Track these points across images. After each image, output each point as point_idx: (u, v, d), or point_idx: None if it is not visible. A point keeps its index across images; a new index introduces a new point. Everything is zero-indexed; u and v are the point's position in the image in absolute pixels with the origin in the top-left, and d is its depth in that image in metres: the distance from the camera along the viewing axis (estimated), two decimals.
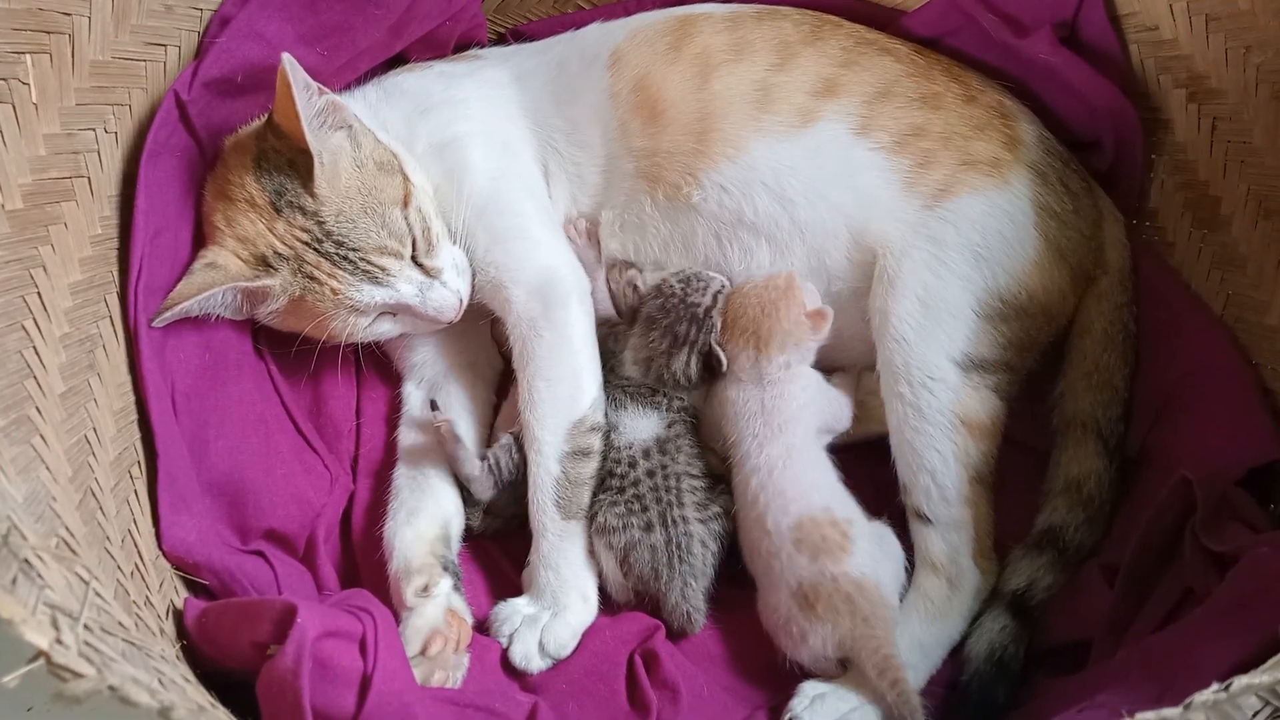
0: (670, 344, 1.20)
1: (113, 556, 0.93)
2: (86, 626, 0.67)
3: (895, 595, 1.08)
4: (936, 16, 1.32)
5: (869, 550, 1.06)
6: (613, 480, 1.14)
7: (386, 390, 1.33)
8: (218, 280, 1.10)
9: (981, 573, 1.14)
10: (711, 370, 1.21)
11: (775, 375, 1.16)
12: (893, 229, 1.17)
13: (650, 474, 1.13)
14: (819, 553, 1.04)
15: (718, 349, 1.19)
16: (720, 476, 1.19)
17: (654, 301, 1.22)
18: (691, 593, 1.09)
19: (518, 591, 1.16)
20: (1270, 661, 0.60)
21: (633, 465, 1.14)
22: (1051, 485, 1.19)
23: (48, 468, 0.89)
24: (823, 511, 1.07)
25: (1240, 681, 0.56)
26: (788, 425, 1.13)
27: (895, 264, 1.16)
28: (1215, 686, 0.57)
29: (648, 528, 1.10)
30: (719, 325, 1.20)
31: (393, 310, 1.17)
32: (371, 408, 1.32)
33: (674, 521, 1.10)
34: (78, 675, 0.61)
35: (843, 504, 1.10)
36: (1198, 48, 1.19)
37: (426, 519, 1.18)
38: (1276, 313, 1.11)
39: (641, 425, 1.17)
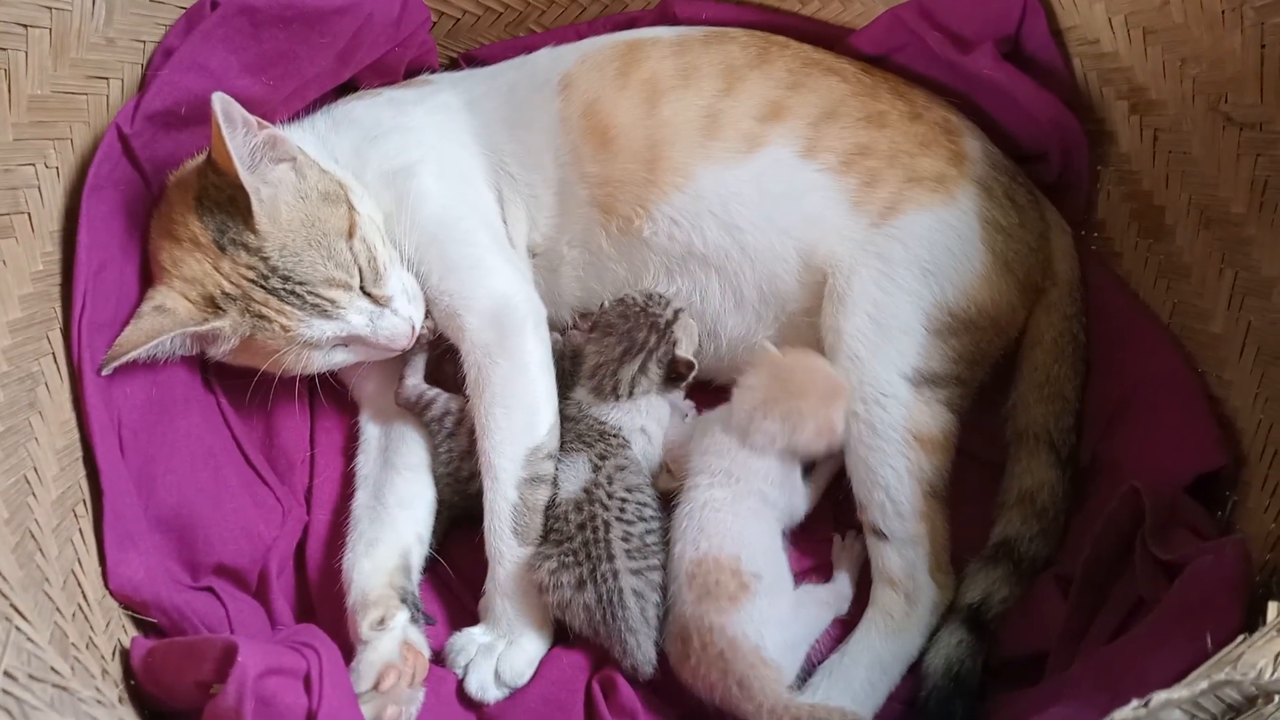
0: (624, 351, 1.20)
1: (51, 599, 0.91)
2: (8, 674, 0.65)
3: (786, 660, 1.03)
4: (882, 34, 1.33)
5: (766, 611, 1.01)
6: (554, 535, 1.10)
7: (342, 420, 1.32)
8: (166, 326, 1.09)
9: (939, 587, 1.14)
10: (674, 379, 1.21)
11: (764, 448, 1.11)
12: (841, 248, 1.18)
13: (581, 527, 1.08)
14: (705, 596, 1.01)
15: (684, 356, 1.19)
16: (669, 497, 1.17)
17: (614, 309, 1.23)
18: (633, 646, 1.04)
19: (474, 620, 1.15)
20: (1191, 675, 0.60)
21: (567, 520, 1.10)
22: (1005, 497, 1.20)
23: None
24: (729, 559, 1.03)
25: (1160, 697, 0.56)
26: (747, 485, 1.10)
27: (845, 282, 1.17)
28: (1135, 703, 0.57)
29: (579, 585, 1.05)
30: (681, 343, 1.20)
31: (345, 341, 1.16)
32: (326, 438, 1.31)
33: (603, 577, 1.04)
34: None
35: (761, 561, 1.05)
36: (1137, 60, 1.21)
37: (385, 549, 1.17)
38: (1219, 321, 1.12)
39: (570, 476, 1.13)
